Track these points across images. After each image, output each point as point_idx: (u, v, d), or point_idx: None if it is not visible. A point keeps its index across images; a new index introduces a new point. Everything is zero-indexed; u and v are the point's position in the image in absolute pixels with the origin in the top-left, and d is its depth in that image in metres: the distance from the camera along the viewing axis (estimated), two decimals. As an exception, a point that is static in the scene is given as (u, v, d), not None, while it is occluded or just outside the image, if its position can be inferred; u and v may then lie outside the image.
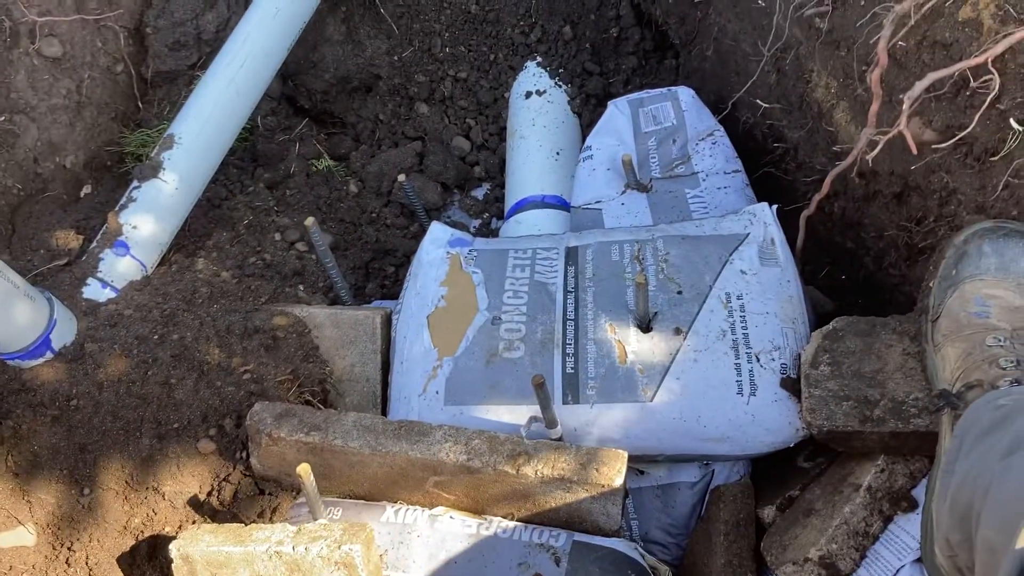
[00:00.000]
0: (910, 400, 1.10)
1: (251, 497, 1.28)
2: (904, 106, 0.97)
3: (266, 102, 1.91)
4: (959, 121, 1.08)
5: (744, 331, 1.22)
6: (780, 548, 1.15)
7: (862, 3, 1.21)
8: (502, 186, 1.81)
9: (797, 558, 1.11)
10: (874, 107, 1.11)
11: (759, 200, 1.49)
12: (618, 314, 1.26)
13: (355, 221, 1.78)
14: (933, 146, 1.12)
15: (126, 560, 1.23)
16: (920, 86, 0.97)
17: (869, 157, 1.04)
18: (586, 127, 1.81)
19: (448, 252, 1.40)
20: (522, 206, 1.69)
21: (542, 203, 1.67)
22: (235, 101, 1.64)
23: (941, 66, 1.05)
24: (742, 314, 1.23)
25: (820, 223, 1.42)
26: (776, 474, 1.28)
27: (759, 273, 1.27)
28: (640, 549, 1.16)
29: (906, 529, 1.09)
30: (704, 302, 1.24)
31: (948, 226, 1.18)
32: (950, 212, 1.17)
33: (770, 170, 1.61)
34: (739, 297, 1.25)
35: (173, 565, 1.12)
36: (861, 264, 1.44)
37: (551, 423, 1.17)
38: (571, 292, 1.30)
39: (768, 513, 1.23)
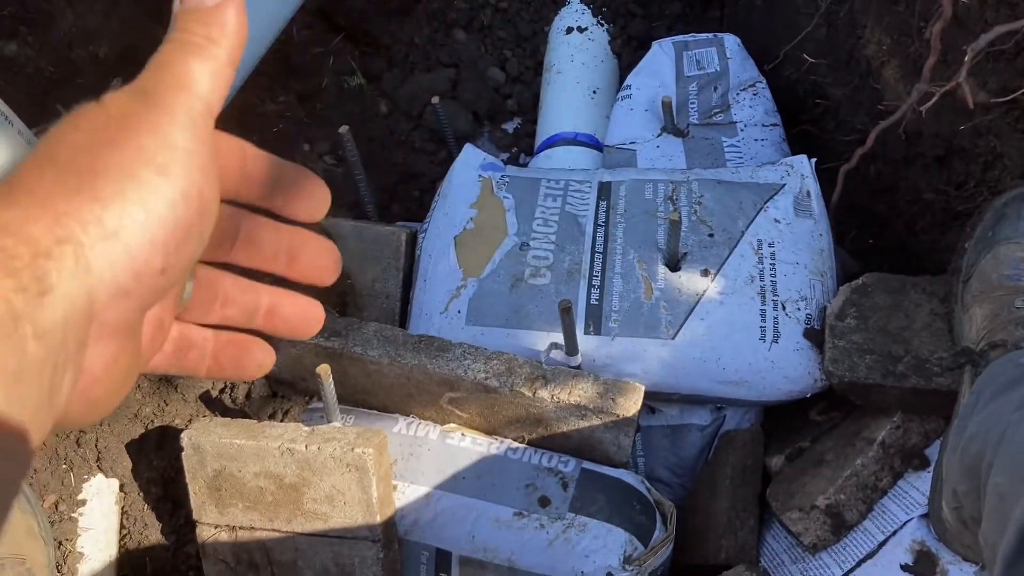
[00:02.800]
0: (934, 359, 1.10)
1: (264, 398, 1.28)
2: (967, 58, 0.96)
3: (302, 15, 1.88)
4: (1015, 84, 1.07)
5: (772, 279, 1.21)
6: (787, 495, 1.15)
7: (928, -43, 1.18)
8: (533, 122, 1.79)
9: (804, 505, 1.11)
10: (931, 61, 1.09)
11: (793, 155, 1.48)
12: (647, 251, 1.26)
13: (384, 142, 1.76)
14: (985, 108, 1.11)
15: (135, 447, 1.24)
16: (986, 38, 0.95)
17: (923, 109, 1.02)
18: (625, 69, 1.78)
19: (480, 175, 1.38)
20: (554, 141, 1.67)
21: (574, 140, 1.65)
22: (275, 6, 1.61)
23: (1005, 22, 1.03)
24: (772, 262, 1.22)
25: (853, 185, 1.40)
26: (787, 425, 1.28)
27: (792, 223, 1.26)
28: (646, 483, 1.17)
29: (915, 486, 1.09)
30: (735, 247, 1.24)
31: (990, 191, 1.17)
32: (993, 177, 1.16)
33: (807, 128, 1.59)
34: (770, 245, 1.24)
35: (183, 454, 1.13)
36: (892, 228, 1.43)
37: (572, 350, 1.16)
38: (601, 226, 1.30)
39: (776, 462, 1.23)
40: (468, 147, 1.45)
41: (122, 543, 1.20)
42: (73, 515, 1.16)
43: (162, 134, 0.34)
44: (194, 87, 0.36)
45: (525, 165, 1.74)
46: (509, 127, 1.86)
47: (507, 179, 1.37)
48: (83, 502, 1.17)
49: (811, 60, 1.49)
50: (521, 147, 1.83)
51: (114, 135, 0.33)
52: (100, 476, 1.20)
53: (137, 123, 0.33)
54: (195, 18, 0.37)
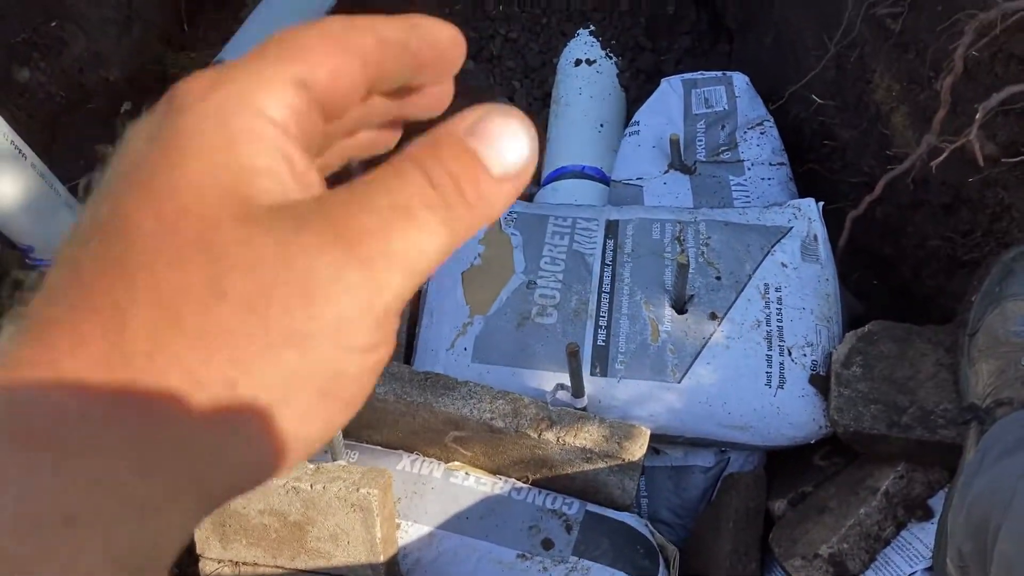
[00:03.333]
0: (939, 410, 1.10)
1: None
2: (977, 115, 0.97)
3: (312, 40, 1.89)
4: (1024, 139, 1.08)
5: (779, 324, 1.21)
6: (790, 542, 1.15)
7: (939, 8, 1.19)
8: (540, 152, 1.80)
9: (807, 553, 1.11)
10: (941, 114, 1.10)
11: (800, 196, 1.49)
12: (654, 292, 1.26)
13: (391, 169, 1.76)
14: (994, 161, 1.11)
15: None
16: (997, 97, 0.96)
17: (933, 164, 1.03)
18: (632, 102, 1.79)
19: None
20: (560, 174, 1.68)
21: (581, 173, 1.66)
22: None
23: (1015, 81, 1.04)
24: (779, 307, 1.23)
25: (859, 227, 1.41)
26: (790, 469, 1.28)
27: (799, 268, 1.27)
28: (650, 526, 1.17)
29: (919, 537, 1.09)
30: (742, 290, 1.24)
31: (997, 242, 1.17)
32: (1001, 229, 1.17)
33: (814, 167, 1.60)
34: (777, 289, 1.24)
35: (188, 488, 1.13)
36: (896, 271, 1.43)
37: (578, 392, 1.17)
38: (608, 265, 1.30)
39: (779, 506, 1.23)
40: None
41: (124, 575, 1.20)
42: (76, 547, 1.16)
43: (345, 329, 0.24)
44: (414, 270, 0.25)
45: (531, 195, 1.74)
46: (516, 157, 1.86)
47: (515, 215, 1.38)
48: (86, 534, 1.17)
49: (819, 101, 1.50)
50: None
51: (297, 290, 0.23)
52: (103, 508, 1.19)
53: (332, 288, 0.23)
54: (472, 172, 0.25)
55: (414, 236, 0.24)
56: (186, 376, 0.22)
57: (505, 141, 0.25)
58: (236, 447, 0.23)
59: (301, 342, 0.23)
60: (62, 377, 0.21)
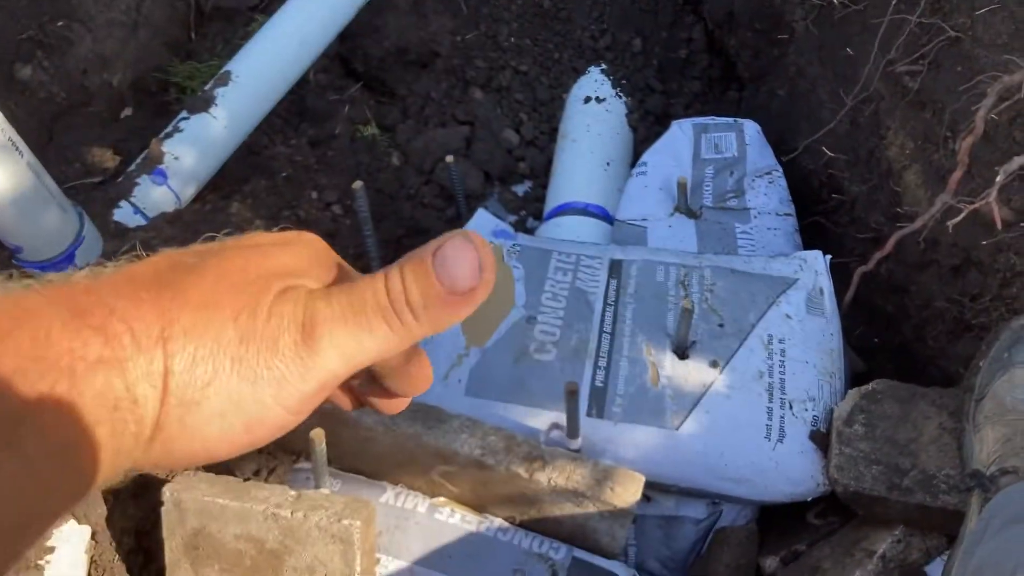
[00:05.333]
0: (941, 475, 1.07)
1: (250, 454, 1.24)
2: (998, 178, 0.95)
3: (320, 59, 1.88)
4: (1040, 205, 1.06)
5: (781, 376, 1.19)
6: (781, 602, 1.12)
7: (959, 69, 1.19)
8: (544, 186, 1.78)
9: (799, 615, 1.08)
10: (957, 175, 1.09)
11: (804, 248, 1.47)
12: (655, 336, 1.23)
13: (393, 194, 1.74)
14: (1008, 225, 1.10)
15: (111, 494, 1.19)
16: (1019, 160, 0.95)
17: (950, 224, 1.01)
18: (640, 143, 1.78)
19: (491, 242, 1.36)
20: (563, 210, 1.66)
21: (584, 211, 1.64)
22: (297, 51, 1.60)
23: (1035, 144, 1.03)
24: (782, 359, 1.20)
25: (863, 283, 1.39)
26: (783, 526, 1.25)
27: (804, 321, 1.25)
28: (637, 577, 1.14)
29: (915, 605, 1.06)
30: (745, 339, 1.22)
31: (1006, 308, 1.15)
32: (1011, 294, 1.15)
33: (820, 220, 1.59)
34: (781, 341, 1.22)
35: (163, 508, 1.08)
36: (899, 330, 1.41)
37: (573, 433, 1.13)
38: (611, 305, 1.27)
39: (770, 563, 1.20)
40: (481, 211, 1.43)
41: (87, 594, 1.15)
42: (40, 562, 1.11)
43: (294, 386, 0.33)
44: (352, 360, 0.33)
45: (533, 229, 1.72)
46: (519, 190, 1.85)
47: (518, 248, 1.35)
48: (51, 549, 1.12)
49: (830, 154, 1.49)
50: (529, 211, 1.82)
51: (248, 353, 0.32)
52: (72, 522, 1.15)
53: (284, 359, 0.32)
54: (423, 287, 0.33)
55: (357, 333, 0.32)
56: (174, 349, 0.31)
57: (459, 265, 0.32)
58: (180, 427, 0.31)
59: (254, 381, 0.31)
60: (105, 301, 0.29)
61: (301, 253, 0.36)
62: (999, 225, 0.98)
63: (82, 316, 0.28)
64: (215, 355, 0.31)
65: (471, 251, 0.33)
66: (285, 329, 0.32)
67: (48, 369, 0.27)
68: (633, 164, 1.68)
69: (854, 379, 1.28)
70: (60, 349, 0.27)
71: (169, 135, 1.45)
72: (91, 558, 1.16)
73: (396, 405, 0.42)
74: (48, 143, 1.49)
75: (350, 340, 0.32)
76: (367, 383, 0.40)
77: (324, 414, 1.15)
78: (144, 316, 0.30)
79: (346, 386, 0.41)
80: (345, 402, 0.41)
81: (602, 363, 1.21)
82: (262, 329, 0.32)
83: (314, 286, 0.34)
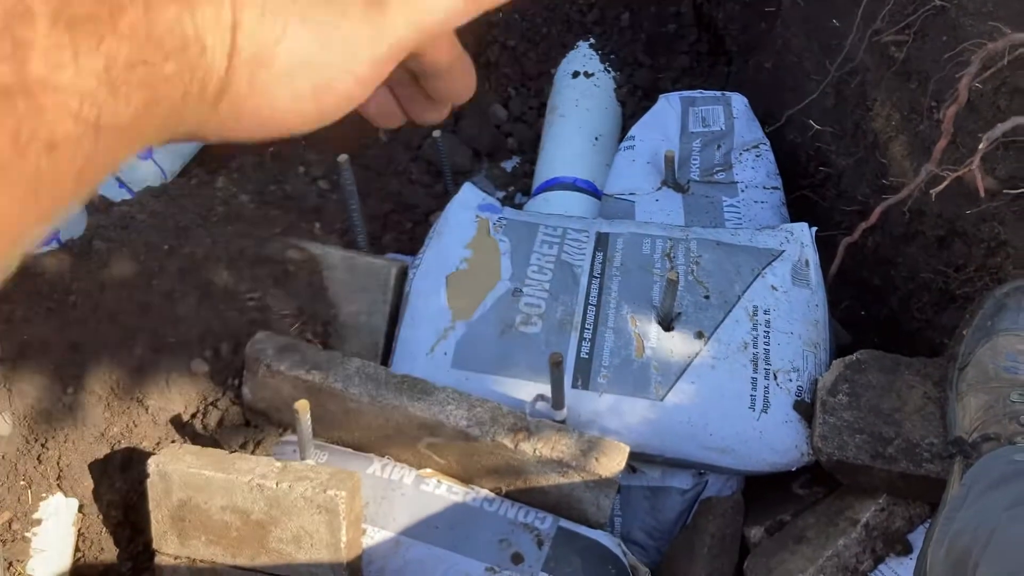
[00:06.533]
0: (924, 444, 1.08)
1: (236, 427, 1.24)
2: (981, 145, 0.95)
3: (307, 34, 1.87)
4: (1024, 173, 1.06)
5: (766, 347, 1.19)
6: (765, 570, 1.13)
7: (944, 38, 1.18)
8: (532, 162, 1.77)
9: (782, 583, 1.09)
10: (941, 144, 1.09)
11: (792, 221, 1.47)
12: (641, 308, 1.24)
13: (380, 170, 1.74)
14: (992, 194, 1.10)
15: (98, 467, 1.19)
16: (1002, 127, 0.95)
17: (933, 192, 1.01)
18: (628, 118, 1.78)
19: (477, 215, 1.36)
20: (551, 185, 1.65)
21: (573, 186, 1.64)
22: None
23: (1018, 113, 1.03)
24: (767, 330, 1.21)
25: (849, 256, 1.39)
26: (768, 496, 1.26)
27: (789, 292, 1.25)
28: (623, 546, 1.14)
29: (897, 572, 1.07)
30: (730, 311, 1.22)
31: (991, 278, 1.16)
32: (995, 264, 1.15)
33: (807, 193, 1.59)
34: (766, 312, 1.22)
35: (149, 480, 1.09)
36: (885, 303, 1.42)
37: (558, 404, 1.14)
38: (596, 278, 1.27)
39: (755, 533, 1.21)
40: (467, 186, 1.42)
41: (76, 567, 1.15)
42: (27, 535, 1.11)
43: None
44: (420, 25, 0.33)
45: (521, 205, 1.72)
46: (508, 166, 1.84)
47: (504, 221, 1.35)
48: (38, 521, 1.13)
49: (817, 127, 1.48)
50: (518, 186, 1.81)
51: None
52: (59, 495, 1.15)
53: None
54: None
55: None
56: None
57: None
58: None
59: (324, 42, 0.31)
60: None
61: None
62: (982, 193, 0.98)
63: None
64: (285, 11, 0.30)
65: None
66: None
67: None
68: (621, 139, 1.68)
69: (839, 351, 1.28)
70: None
71: (153, 110, 1.44)
72: (79, 531, 1.17)
73: (435, 114, 0.42)
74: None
75: (418, 2, 0.33)
76: (412, 89, 0.40)
77: (310, 387, 1.16)
78: None
79: (389, 88, 0.40)
80: (388, 117, 0.41)
81: (587, 335, 1.21)
82: None
83: None
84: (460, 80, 0.39)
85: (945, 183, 0.99)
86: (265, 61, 0.30)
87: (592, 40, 1.87)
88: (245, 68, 0.30)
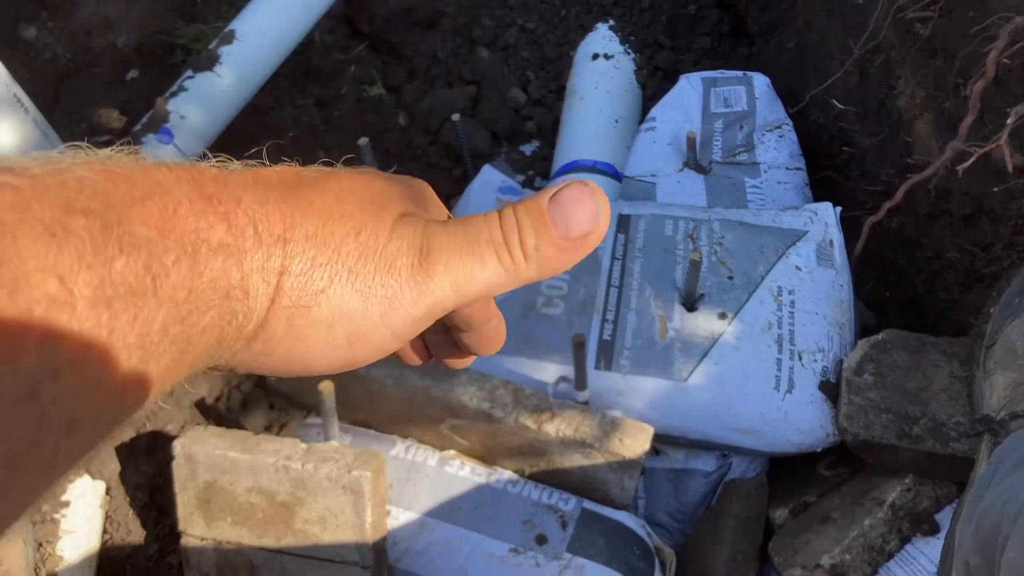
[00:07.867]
0: (951, 423, 1.07)
1: (260, 410, 1.25)
2: (1009, 120, 0.94)
3: (325, 19, 1.86)
4: (1054, 149, 1.05)
5: (791, 327, 1.18)
6: (790, 551, 1.12)
7: (971, 13, 1.17)
8: (552, 145, 1.76)
9: (807, 563, 1.08)
10: (968, 120, 1.07)
11: (815, 202, 1.46)
12: (663, 289, 1.23)
13: (400, 155, 1.73)
14: (1020, 170, 1.08)
15: (124, 450, 1.20)
16: (1032, 102, 0.93)
17: (960, 169, 1.00)
18: (648, 100, 1.76)
19: (498, 198, 1.36)
20: (571, 168, 1.64)
21: (592, 168, 1.63)
22: (301, 10, 1.59)
23: (1048, 88, 1.01)
24: (791, 310, 1.20)
25: (873, 237, 1.38)
26: (793, 478, 1.25)
27: (814, 272, 1.24)
28: (647, 528, 1.14)
29: (924, 552, 1.06)
30: (754, 291, 1.21)
31: (1018, 256, 1.14)
32: (1022, 242, 1.14)
33: (830, 174, 1.57)
34: (790, 292, 1.21)
35: (174, 463, 1.09)
36: (910, 284, 1.40)
37: (581, 385, 1.14)
38: (618, 259, 1.27)
39: (780, 515, 1.20)
40: (487, 168, 1.42)
41: (103, 548, 1.16)
42: (56, 516, 1.12)
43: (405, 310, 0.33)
44: (462, 290, 0.33)
45: (540, 188, 1.71)
46: (527, 149, 1.83)
47: (525, 204, 1.35)
48: (67, 503, 1.14)
49: (840, 106, 1.47)
50: (537, 170, 1.80)
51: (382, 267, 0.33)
52: (87, 478, 1.16)
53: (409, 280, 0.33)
54: (537, 227, 0.33)
55: (470, 263, 0.33)
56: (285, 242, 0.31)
57: (577, 210, 0.32)
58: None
59: (367, 297, 0.32)
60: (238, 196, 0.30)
61: (417, 188, 0.37)
62: (1010, 169, 0.96)
63: (210, 200, 0.28)
64: (333, 264, 0.31)
65: (589, 197, 0.33)
66: (404, 251, 0.32)
67: (173, 245, 0.26)
68: (641, 121, 1.67)
69: (864, 333, 1.27)
70: (186, 227, 0.27)
71: (174, 94, 1.45)
72: (106, 513, 1.18)
73: (462, 362, 0.43)
74: (55, 104, 1.49)
75: (463, 270, 0.33)
76: (441, 336, 0.41)
77: (333, 369, 1.16)
78: (269, 214, 0.30)
79: (421, 337, 0.41)
80: (413, 357, 0.42)
81: (610, 316, 1.21)
82: (383, 248, 0.32)
83: (429, 218, 0.35)
84: (491, 339, 0.40)
85: (972, 159, 0.98)
86: (306, 308, 0.31)
87: (612, 22, 1.86)
88: (284, 312, 0.31)
